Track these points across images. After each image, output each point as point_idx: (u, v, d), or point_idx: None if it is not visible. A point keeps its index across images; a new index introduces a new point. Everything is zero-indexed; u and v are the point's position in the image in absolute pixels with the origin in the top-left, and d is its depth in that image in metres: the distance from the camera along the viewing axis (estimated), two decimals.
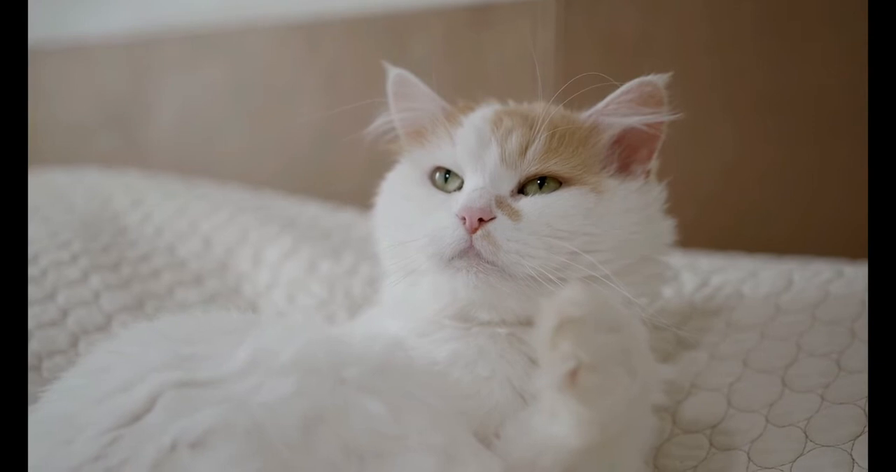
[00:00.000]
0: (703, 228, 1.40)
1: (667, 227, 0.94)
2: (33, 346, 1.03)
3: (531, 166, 0.88)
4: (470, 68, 1.61)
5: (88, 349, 0.95)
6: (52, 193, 1.44)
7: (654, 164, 0.93)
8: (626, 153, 0.93)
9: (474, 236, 0.84)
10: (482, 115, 0.93)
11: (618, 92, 0.91)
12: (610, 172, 0.91)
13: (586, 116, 0.93)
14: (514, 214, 0.86)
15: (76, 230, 1.28)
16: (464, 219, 0.84)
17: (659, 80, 0.90)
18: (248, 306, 1.19)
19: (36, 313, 1.08)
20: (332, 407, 0.74)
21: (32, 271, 1.15)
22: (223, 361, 0.76)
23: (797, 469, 0.83)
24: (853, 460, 0.81)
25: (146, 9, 2.00)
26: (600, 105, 0.92)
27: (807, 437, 0.85)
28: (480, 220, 0.84)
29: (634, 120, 0.91)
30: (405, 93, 0.98)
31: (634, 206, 0.90)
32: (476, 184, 0.88)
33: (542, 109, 0.91)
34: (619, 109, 0.91)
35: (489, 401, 0.83)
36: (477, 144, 0.90)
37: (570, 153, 0.89)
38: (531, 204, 0.87)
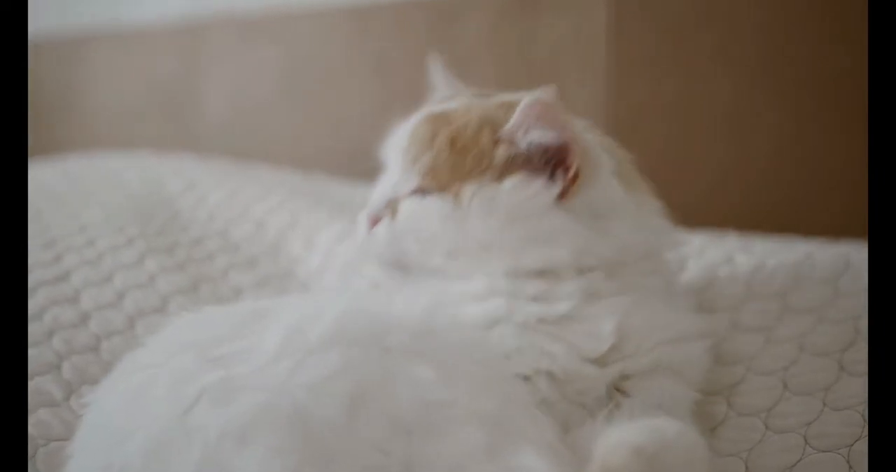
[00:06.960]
0: (753, 210, 1.40)
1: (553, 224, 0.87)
2: (91, 328, 1.05)
3: (417, 179, 0.90)
4: (519, 54, 1.60)
5: (146, 331, 0.96)
6: (106, 178, 1.47)
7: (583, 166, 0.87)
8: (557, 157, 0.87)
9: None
10: (414, 120, 0.94)
11: (521, 107, 0.86)
12: (494, 177, 0.87)
13: (509, 126, 0.87)
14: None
15: (131, 214, 1.30)
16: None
17: (544, 96, 0.85)
18: (302, 289, 1.20)
19: (93, 295, 1.10)
20: (379, 379, 0.72)
21: (90, 254, 1.18)
22: (255, 351, 0.74)
23: (854, 454, 0.82)
24: None
25: None
26: (514, 117, 0.87)
27: (865, 421, 0.84)
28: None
29: (532, 137, 0.86)
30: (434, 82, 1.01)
31: (498, 208, 0.87)
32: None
33: (475, 112, 0.89)
34: (522, 124, 0.86)
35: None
36: (393, 147, 0.94)
37: (453, 164, 0.88)
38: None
